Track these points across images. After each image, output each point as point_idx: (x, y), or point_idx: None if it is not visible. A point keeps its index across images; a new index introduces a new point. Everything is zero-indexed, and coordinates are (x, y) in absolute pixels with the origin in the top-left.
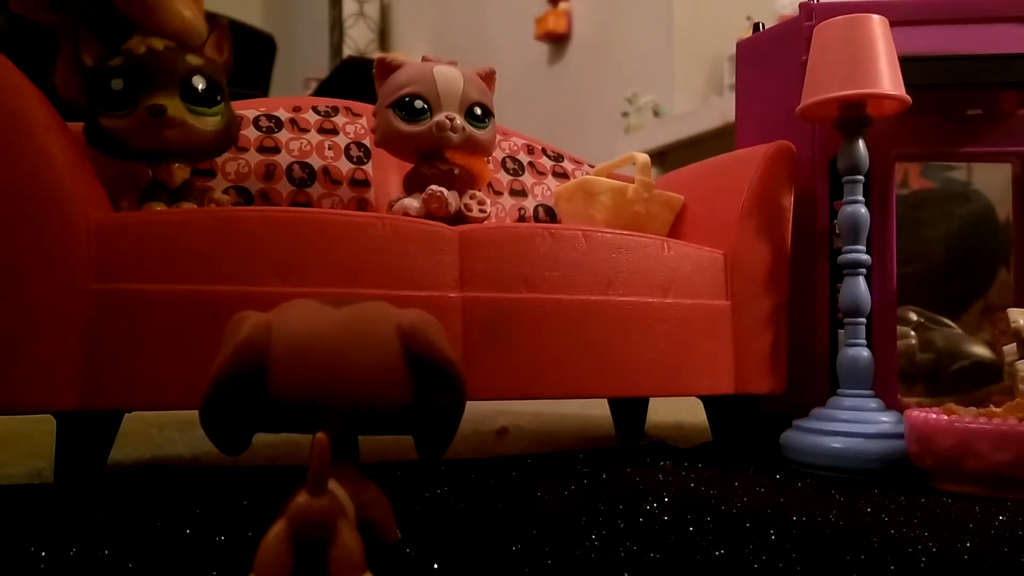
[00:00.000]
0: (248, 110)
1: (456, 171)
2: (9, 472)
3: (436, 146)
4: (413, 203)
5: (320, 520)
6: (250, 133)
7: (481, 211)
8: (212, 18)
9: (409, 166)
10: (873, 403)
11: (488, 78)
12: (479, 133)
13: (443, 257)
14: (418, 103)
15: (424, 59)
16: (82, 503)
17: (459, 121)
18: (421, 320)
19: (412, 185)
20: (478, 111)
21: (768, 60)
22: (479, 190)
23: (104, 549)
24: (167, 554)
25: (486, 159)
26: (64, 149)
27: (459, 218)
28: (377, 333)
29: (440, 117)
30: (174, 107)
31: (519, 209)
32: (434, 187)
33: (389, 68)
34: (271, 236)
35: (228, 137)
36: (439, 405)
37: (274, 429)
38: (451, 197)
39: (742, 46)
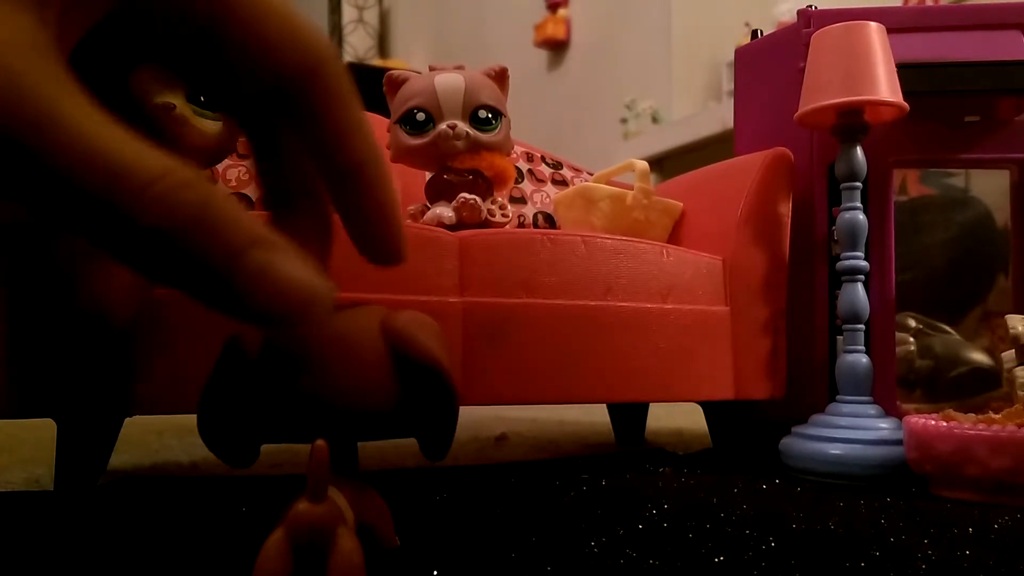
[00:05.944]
0: None
1: (480, 178)
2: (8, 478)
3: (443, 155)
4: (446, 211)
5: (319, 527)
6: None
7: (504, 216)
8: None
9: (413, 172)
10: (872, 409)
11: (499, 77)
12: (486, 136)
13: (443, 262)
14: (420, 115)
15: (431, 68)
16: (82, 510)
17: (461, 127)
18: (409, 320)
19: (437, 193)
20: (483, 114)
21: (766, 66)
22: (507, 187)
23: (104, 557)
24: (166, 561)
25: (508, 155)
26: None
27: (483, 223)
28: (360, 333)
29: (442, 127)
30: (181, 106)
31: (519, 216)
32: (466, 195)
33: (396, 83)
34: None
35: (230, 142)
36: (431, 406)
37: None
38: (482, 204)
39: (740, 52)
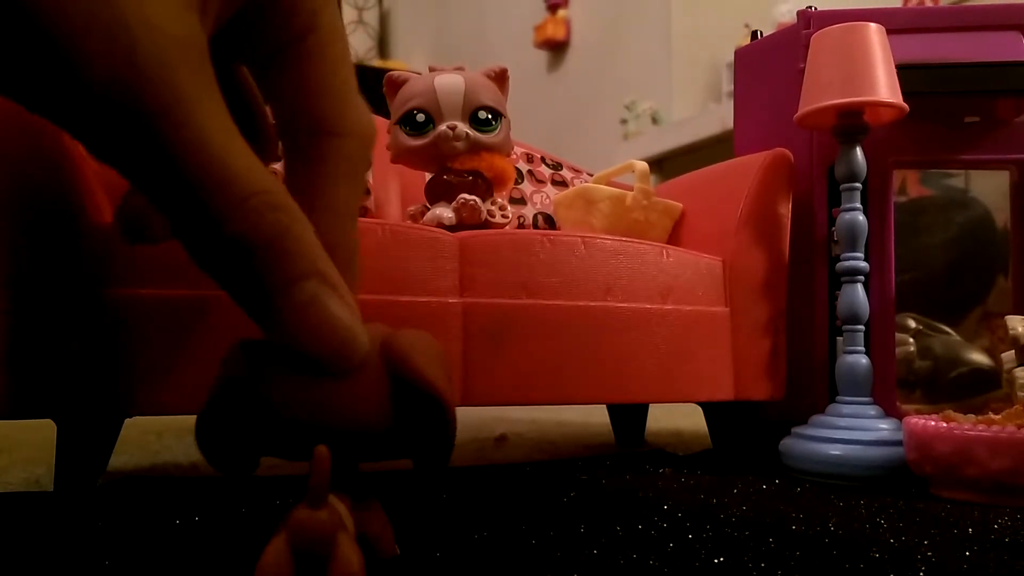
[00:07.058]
0: None
1: (480, 179)
2: (8, 478)
3: (443, 156)
4: (446, 212)
5: (320, 533)
6: None
7: (504, 216)
8: None
9: (412, 172)
10: (872, 410)
11: (499, 78)
12: (485, 137)
13: (443, 263)
14: (420, 116)
15: (431, 69)
16: (82, 511)
17: (461, 128)
18: (410, 344)
19: (436, 194)
20: (482, 115)
21: (766, 67)
22: (507, 188)
23: (104, 557)
24: (167, 562)
25: (507, 156)
26: (64, 152)
27: (483, 224)
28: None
29: (442, 128)
30: None
31: (519, 217)
32: (466, 196)
33: (396, 84)
34: None
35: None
36: (427, 430)
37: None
38: (482, 205)
39: (740, 53)
